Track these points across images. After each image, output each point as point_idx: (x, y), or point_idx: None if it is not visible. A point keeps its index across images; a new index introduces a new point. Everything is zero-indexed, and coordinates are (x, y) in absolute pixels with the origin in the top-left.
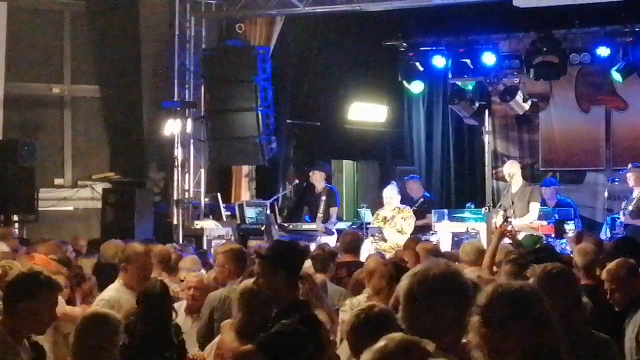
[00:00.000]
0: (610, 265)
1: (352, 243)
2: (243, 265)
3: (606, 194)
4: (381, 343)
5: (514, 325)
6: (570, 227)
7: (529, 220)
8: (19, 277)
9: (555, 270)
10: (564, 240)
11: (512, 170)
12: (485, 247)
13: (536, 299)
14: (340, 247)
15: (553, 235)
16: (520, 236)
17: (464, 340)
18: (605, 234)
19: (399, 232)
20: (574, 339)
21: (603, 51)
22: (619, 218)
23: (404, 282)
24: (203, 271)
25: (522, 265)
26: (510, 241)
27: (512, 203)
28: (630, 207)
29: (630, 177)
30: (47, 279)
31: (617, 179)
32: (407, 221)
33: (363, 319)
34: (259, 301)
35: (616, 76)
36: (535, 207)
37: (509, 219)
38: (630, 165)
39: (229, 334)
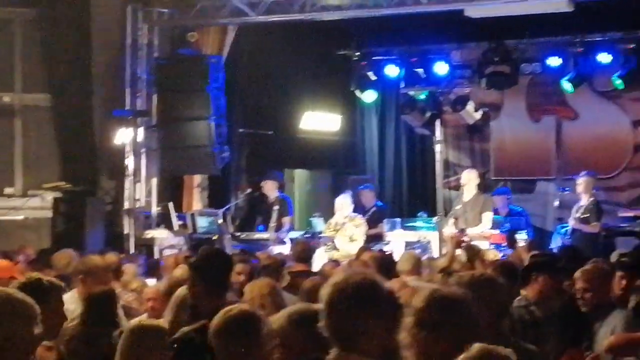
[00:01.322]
0: (586, 266)
1: (304, 252)
2: None
3: (557, 203)
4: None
5: (445, 329)
6: (521, 237)
7: (481, 230)
8: (21, 287)
9: (482, 278)
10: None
11: (468, 178)
12: (437, 255)
13: (468, 306)
14: (292, 256)
15: (505, 245)
16: None
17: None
18: (555, 242)
19: (350, 239)
20: None
21: (554, 61)
22: (567, 227)
23: (325, 291)
24: (152, 280)
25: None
26: (464, 251)
27: (465, 212)
28: (578, 214)
29: (581, 184)
30: (50, 283)
31: (567, 188)
32: (358, 229)
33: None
34: (186, 306)
35: (567, 86)
36: (488, 216)
37: (465, 229)
38: (583, 173)
39: None
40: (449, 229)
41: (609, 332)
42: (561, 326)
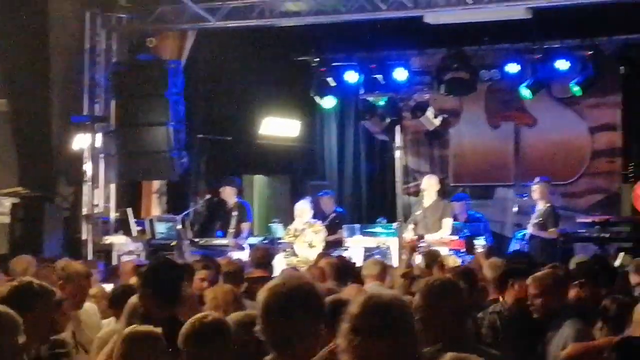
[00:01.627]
0: (539, 273)
1: (263, 258)
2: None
3: (515, 208)
4: None
5: (380, 335)
6: (480, 243)
7: (440, 236)
8: (12, 291)
9: (437, 284)
10: (473, 256)
11: (429, 184)
12: (396, 262)
13: (405, 312)
14: (251, 262)
15: (463, 250)
16: None
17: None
18: (514, 248)
19: (310, 245)
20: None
21: (512, 68)
22: (525, 232)
23: (261, 295)
24: (111, 286)
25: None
26: (423, 257)
27: (425, 217)
28: (535, 220)
29: (536, 191)
30: (41, 287)
31: (525, 194)
32: (317, 235)
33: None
34: (138, 315)
35: (525, 92)
36: (448, 222)
37: (422, 235)
38: (537, 179)
39: None
40: (409, 235)
41: (561, 342)
42: (515, 332)
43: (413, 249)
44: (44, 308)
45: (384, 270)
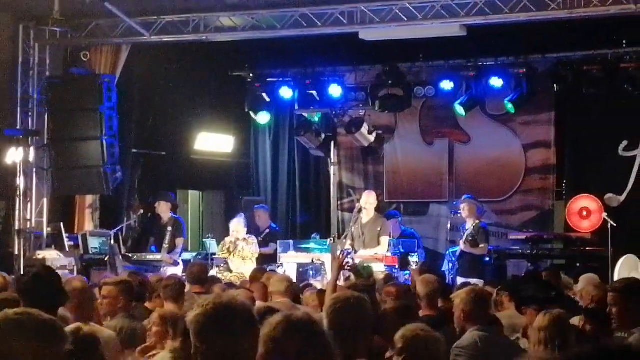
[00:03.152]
0: (460, 291)
1: (200, 274)
2: (132, 296)
3: (449, 225)
4: None
5: (294, 355)
6: (414, 259)
7: (375, 252)
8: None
9: (342, 300)
10: (407, 272)
11: (368, 200)
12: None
13: (320, 331)
14: (188, 278)
15: (397, 267)
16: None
17: None
18: (447, 265)
19: (244, 260)
20: None
21: (447, 85)
22: (457, 249)
23: (194, 313)
24: None
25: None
26: (350, 272)
27: (362, 234)
28: (465, 237)
29: (465, 209)
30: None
31: (459, 211)
32: (251, 250)
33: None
34: None
35: (459, 109)
36: (385, 240)
37: (348, 251)
38: (463, 197)
39: None
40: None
41: None
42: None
43: (341, 265)
44: None
45: (291, 286)
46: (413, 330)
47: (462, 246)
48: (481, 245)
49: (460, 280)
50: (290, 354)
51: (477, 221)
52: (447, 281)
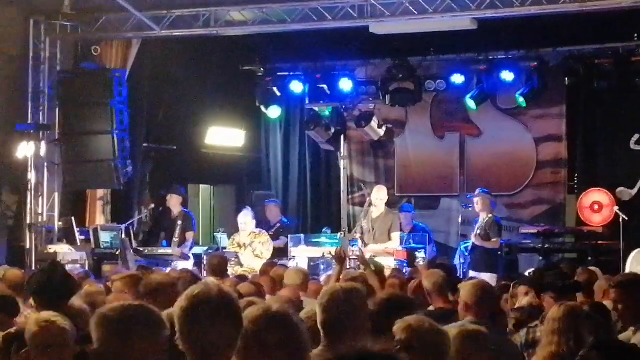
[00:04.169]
0: (467, 283)
1: (219, 266)
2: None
3: (460, 219)
4: None
5: (276, 349)
6: (421, 255)
7: (385, 246)
8: None
9: (336, 291)
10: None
11: (381, 194)
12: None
13: (298, 324)
14: (208, 270)
15: (406, 261)
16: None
17: None
18: (459, 259)
19: (258, 256)
20: None
21: (457, 78)
22: (469, 243)
23: (180, 303)
24: None
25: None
26: (361, 263)
27: (373, 228)
28: (477, 231)
29: (478, 202)
30: None
31: (470, 205)
32: (265, 245)
33: None
34: None
35: (470, 103)
36: (397, 236)
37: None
38: (477, 191)
39: None
40: (345, 246)
41: None
42: None
43: (342, 258)
44: None
45: (307, 279)
46: (408, 321)
47: (473, 239)
48: (493, 239)
49: (472, 274)
50: (269, 346)
51: (490, 215)
52: (458, 274)
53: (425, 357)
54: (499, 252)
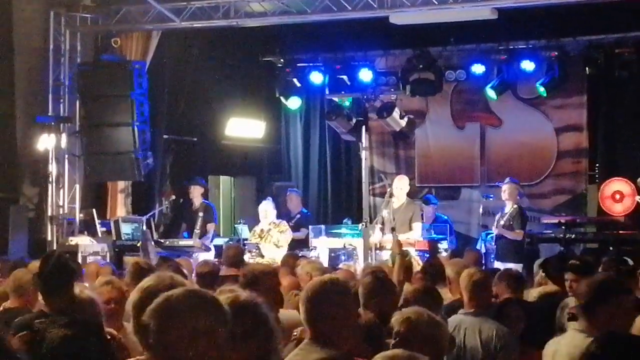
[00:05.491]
0: (465, 270)
1: (235, 257)
2: None
3: (481, 210)
4: None
5: (245, 339)
6: (443, 247)
7: (407, 237)
8: None
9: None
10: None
11: (400, 185)
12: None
13: (264, 313)
14: (224, 261)
15: (427, 252)
16: None
17: None
18: (480, 249)
19: (276, 245)
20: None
21: (478, 68)
22: (492, 233)
23: (135, 295)
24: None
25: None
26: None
27: (393, 219)
28: (502, 221)
29: (505, 191)
30: None
31: (491, 195)
32: (283, 234)
33: None
34: None
35: (490, 93)
36: (418, 226)
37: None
38: (507, 179)
39: None
40: (376, 236)
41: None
42: None
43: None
44: None
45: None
46: (407, 313)
47: (495, 230)
48: (517, 230)
49: (497, 264)
50: (237, 334)
51: (516, 205)
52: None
53: (423, 349)
54: (522, 243)
